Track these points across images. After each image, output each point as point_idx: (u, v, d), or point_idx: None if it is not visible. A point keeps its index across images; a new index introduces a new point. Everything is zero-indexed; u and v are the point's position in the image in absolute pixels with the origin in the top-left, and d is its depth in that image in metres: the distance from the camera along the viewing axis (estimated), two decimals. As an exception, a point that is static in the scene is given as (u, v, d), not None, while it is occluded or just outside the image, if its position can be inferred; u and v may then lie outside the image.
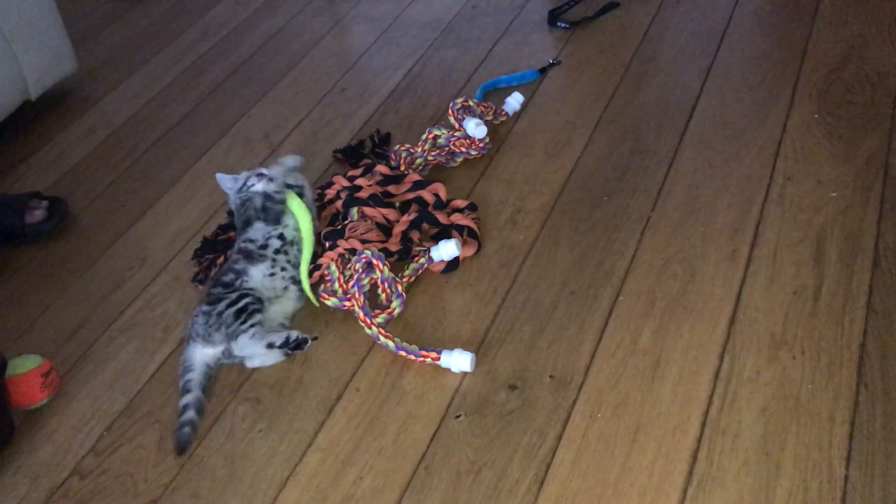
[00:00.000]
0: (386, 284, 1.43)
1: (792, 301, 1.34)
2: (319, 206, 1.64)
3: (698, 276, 1.42)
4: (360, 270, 1.43)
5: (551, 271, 1.48)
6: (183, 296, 1.56)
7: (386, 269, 1.43)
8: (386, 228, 1.56)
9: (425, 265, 1.50)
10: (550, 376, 1.30)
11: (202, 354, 1.39)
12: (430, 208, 1.59)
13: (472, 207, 1.60)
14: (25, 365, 1.38)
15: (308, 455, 1.26)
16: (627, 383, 1.27)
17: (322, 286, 1.48)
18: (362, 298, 1.40)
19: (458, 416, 1.27)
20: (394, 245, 1.52)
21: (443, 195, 1.61)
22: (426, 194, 1.61)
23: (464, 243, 1.52)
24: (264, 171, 1.53)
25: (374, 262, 1.43)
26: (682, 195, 1.58)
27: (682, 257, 1.46)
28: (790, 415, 1.19)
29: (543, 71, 1.99)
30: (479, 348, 1.36)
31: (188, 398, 1.34)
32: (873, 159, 1.58)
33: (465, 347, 1.35)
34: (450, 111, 1.78)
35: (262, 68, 2.21)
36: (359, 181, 1.63)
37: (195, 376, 1.36)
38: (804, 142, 1.65)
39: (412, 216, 1.56)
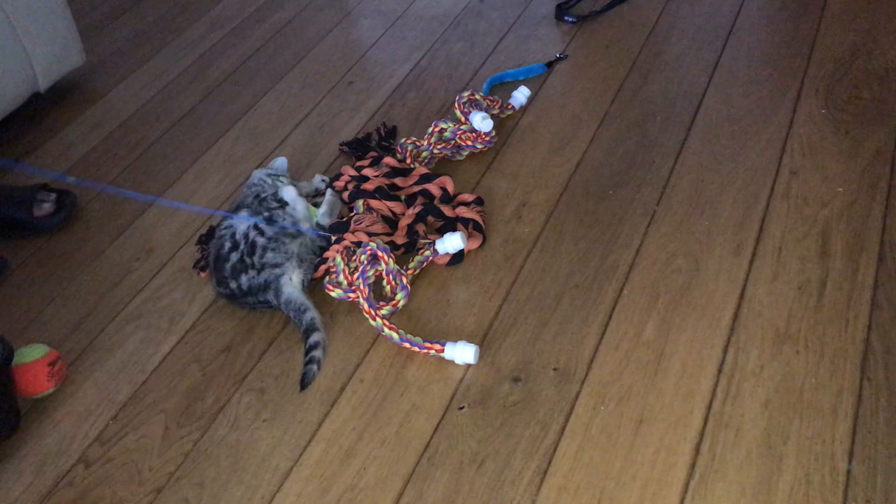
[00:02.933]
0: (391, 276, 1.44)
1: (796, 295, 1.34)
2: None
3: (703, 271, 1.42)
4: (366, 262, 1.43)
5: (556, 264, 1.48)
6: (189, 286, 1.57)
7: (391, 262, 1.44)
8: (391, 221, 1.56)
9: (430, 258, 1.50)
10: (554, 369, 1.30)
11: (299, 294, 1.44)
12: (436, 201, 1.59)
13: (479, 202, 1.60)
14: (32, 354, 1.39)
15: (312, 445, 1.26)
16: (631, 376, 1.27)
17: (327, 278, 1.49)
18: (367, 290, 1.41)
19: (461, 408, 1.27)
20: (399, 238, 1.52)
21: (450, 188, 1.61)
22: (433, 188, 1.61)
23: (469, 236, 1.52)
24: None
25: (380, 254, 1.44)
26: (688, 189, 1.58)
27: (687, 251, 1.46)
28: (793, 409, 1.19)
29: (550, 65, 1.99)
30: (483, 340, 1.36)
31: (317, 337, 1.38)
32: (880, 155, 1.58)
33: (470, 340, 1.35)
34: (456, 105, 1.78)
35: (269, 61, 2.21)
36: (366, 171, 1.64)
37: (316, 315, 1.41)
38: (811, 137, 1.65)
39: (418, 209, 1.56)
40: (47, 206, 1.76)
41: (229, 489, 1.23)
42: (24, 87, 2.04)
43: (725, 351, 1.28)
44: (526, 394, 1.28)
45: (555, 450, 1.20)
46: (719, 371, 1.26)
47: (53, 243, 1.74)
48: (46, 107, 2.15)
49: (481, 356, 1.34)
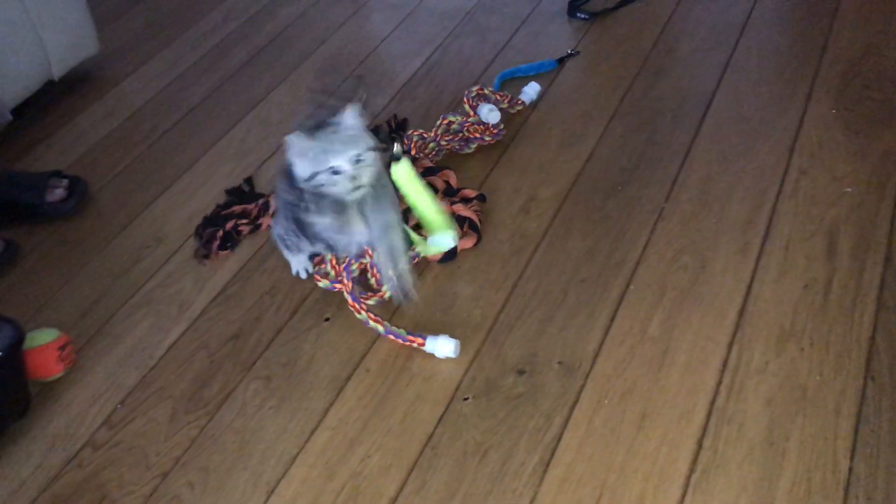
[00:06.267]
0: (375, 269, 1.44)
1: (802, 294, 1.35)
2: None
3: (709, 268, 1.42)
4: (352, 255, 1.44)
5: (563, 259, 1.48)
6: (198, 274, 1.58)
7: (375, 255, 1.43)
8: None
9: (421, 254, 1.50)
10: (559, 362, 1.31)
11: None
12: (439, 195, 1.59)
13: (481, 198, 1.61)
14: (43, 338, 1.40)
15: (317, 433, 1.27)
16: (635, 371, 1.28)
17: (316, 268, 1.50)
18: (350, 284, 1.41)
19: (465, 399, 1.28)
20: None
21: (453, 182, 1.62)
22: (436, 181, 1.62)
23: (463, 235, 1.52)
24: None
25: (365, 247, 1.44)
26: (696, 187, 1.58)
27: (694, 248, 1.46)
28: (796, 406, 1.19)
29: (561, 61, 1.99)
30: (489, 333, 1.37)
31: None
32: (889, 155, 1.57)
33: (475, 332, 1.36)
34: (465, 99, 1.79)
35: (281, 53, 2.23)
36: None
37: None
38: (820, 137, 1.65)
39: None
40: (59, 192, 1.77)
41: (235, 474, 1.24)
42: (38, 74, 2.05)
43: (730, 347, 1.29)
44: (530, 386, 1.28)
45: (558, 442, 1.20)
46: (723, 367, 1.26)
47: (65, 229, 1.75)
48: (60, 94, 2.16)
49: (486, 348, 1.35)
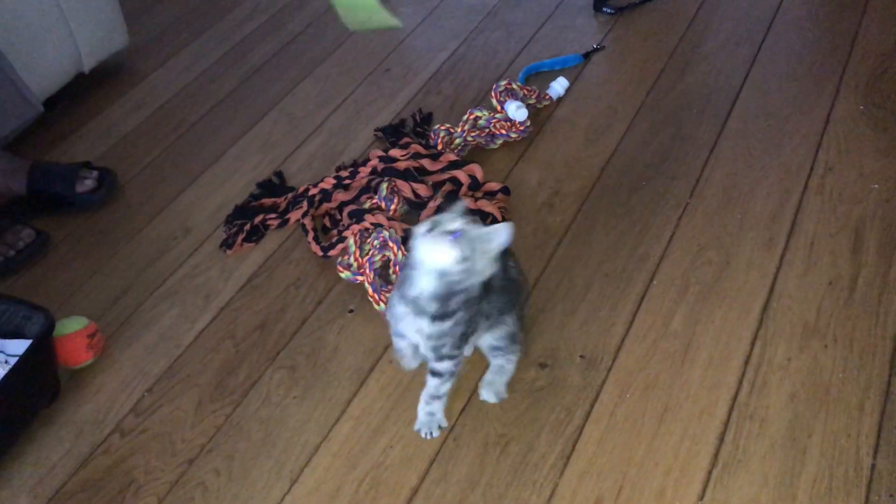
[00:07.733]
0: (398, 267, 1.45)
1: (827, 291, 1.34)
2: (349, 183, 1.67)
3: (733, 263, 1.42)
4: (377, 247, 1.45)
5: (586, 254, 1.49)
6: (224, 265, 1.60)
7: (400, 254, 1.44)
8: (415, 205, 1.58)
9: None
10: (581, 356, 1.32)
11: None
12: (464, 189, 1.60)
13: (506, 191, 1.61)
14: (72, 326, 1.43)
15: (340, 423, 1.29)
16: (657, 366, 1.28)
17: (339, 259, 1.51)
18: (372, 275, 1.42)
19: (487, 391, 1.29)
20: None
21: (479, 176, 1.62)
22: (461, 175, 1.62)
23: None
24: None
25: (390, 244, 1.45)
26: (721, 182, 1.58)
27: (718, 244, 1.46)
28: (819, 402, 1.19)
29: (587, 56, 1.99)
30: (512, 326, 1.38)
31: None
32: (918, 152, 1.56)
33: (498, 325, 1.37)
34: (492, 93, 1.79)
35: (308, 47, 2.24)
36: (393, 151, 1.66)
37: None
38: (848, 133, 1.64)
39: (438, 201, 1.57)
40: (89, 183, 1.80)
41: (259, 462, 1.26)
42: (69, 66, 2.08)
43: (753, 343, 1.29)
44: (552, 379, 1.29)
45: (579, 435, 1.21)
46: (746, 363, 1.26)
47: (94, 219, 1.78)
48: (90, 87, 2.19)
49: (509, 341, 1.35)
